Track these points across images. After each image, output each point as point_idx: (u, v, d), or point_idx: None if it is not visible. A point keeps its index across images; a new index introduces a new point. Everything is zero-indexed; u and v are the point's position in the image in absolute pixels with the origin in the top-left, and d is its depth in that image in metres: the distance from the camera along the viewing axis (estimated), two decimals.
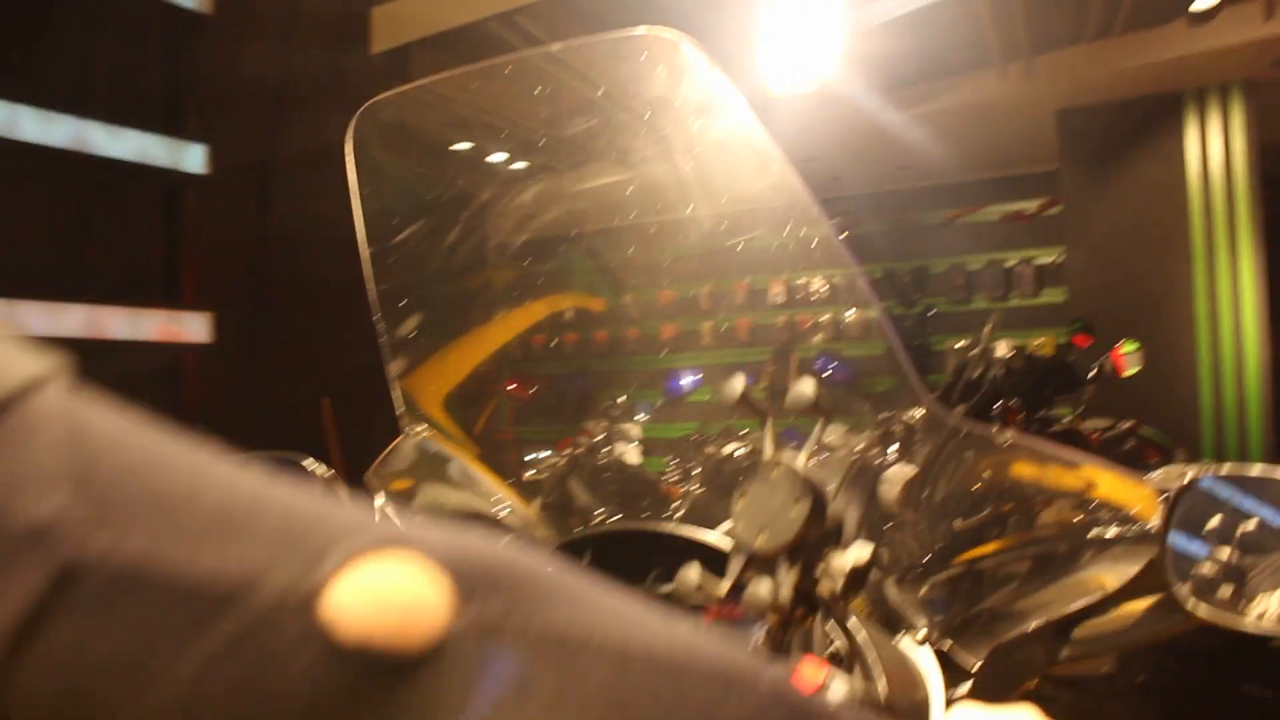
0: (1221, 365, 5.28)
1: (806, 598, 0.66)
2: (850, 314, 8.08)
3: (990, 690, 1.03)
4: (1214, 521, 0.88)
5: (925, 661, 1.01)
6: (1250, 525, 0.90)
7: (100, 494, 0.34)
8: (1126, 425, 3.96)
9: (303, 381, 3.46)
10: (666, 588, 1.12)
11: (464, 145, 1.37)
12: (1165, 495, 0.85)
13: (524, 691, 0.37)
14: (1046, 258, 7.36)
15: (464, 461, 1.46)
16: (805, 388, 0.65)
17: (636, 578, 1.14)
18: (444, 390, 1.50)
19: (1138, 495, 0.93)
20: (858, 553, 0.65)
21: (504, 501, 1.44)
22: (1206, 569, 0.86)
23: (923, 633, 1.05)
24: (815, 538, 0.65)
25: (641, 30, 0.99)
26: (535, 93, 1.21)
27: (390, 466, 1.42)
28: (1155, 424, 4.21)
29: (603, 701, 0.39)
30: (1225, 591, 0.91)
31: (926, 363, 8.02)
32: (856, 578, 0.65)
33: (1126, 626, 0.93)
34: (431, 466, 1.45)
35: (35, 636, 0.32)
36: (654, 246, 1.59)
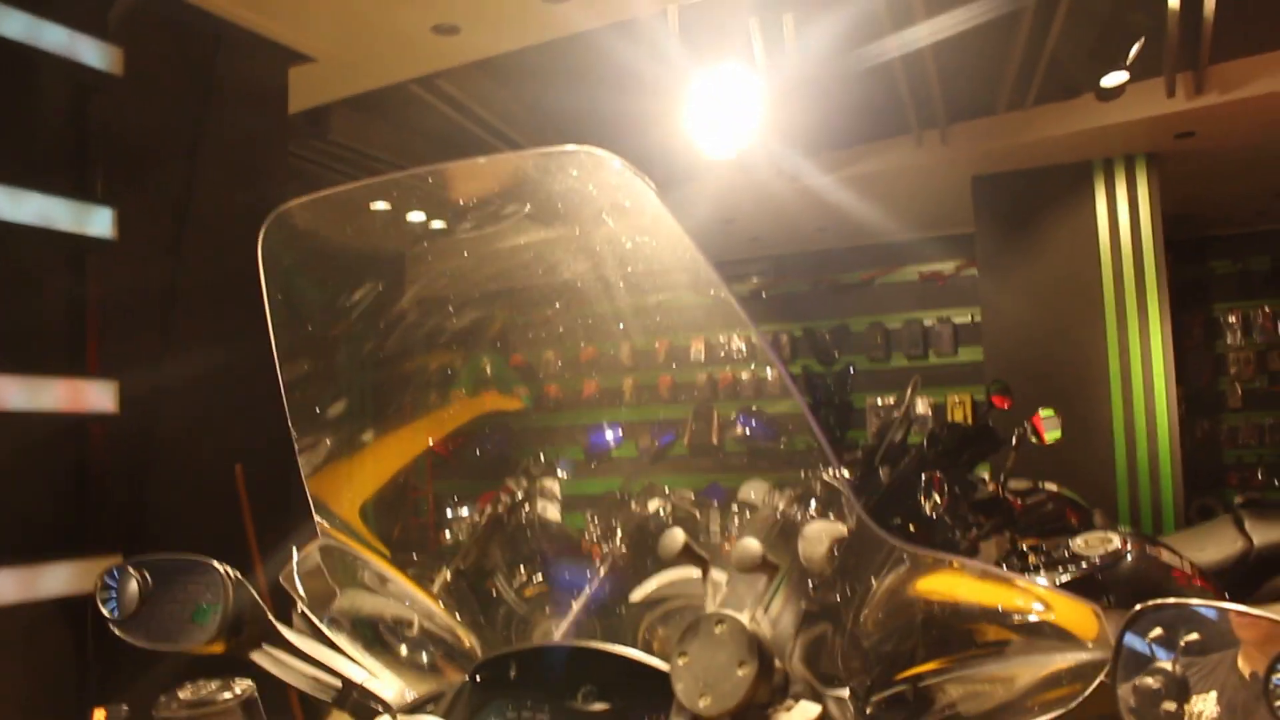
0: (1134, 422, 5.40)
1: None
2: (770, 372, 8.13)
3: None
4: (1156, 646, 0.86)
5: None
6: (1190, 646, 0.88)
7: None
8: (1047, 488, 4.00)
9: (215, 448, 3.34)
10: (598, 706, 1.07)
11: (376, 249, 1.33)
12: (1121, 626, 0.83)
13: None
14: (963, 317, 7.51)
15: (378, 566, 1.39)
16: (751, 544, 0.61)
17: (565, 694, 1.08)
18: (356, 494, 1.44)
19: (1079, 615, 0.91)
20: (805, 712, 0.61)
21: (422, 608, 1.37)
22: (1152, 692, 0.84)
23: None
24: (764, 699, 0.61)
25: (572, 148, 0.96)
26: (459, 201, 1.18)
27: (304, 569, 1.35)
28: (1072, 483, 4.27)
29: None
30: (1169, 706, 0.89)
31: (847, 419, 8.09)
32: None
33: None
34: (346, 571, 1.38)
35: None
36: (573, 311, 1.55)
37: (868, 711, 1.06)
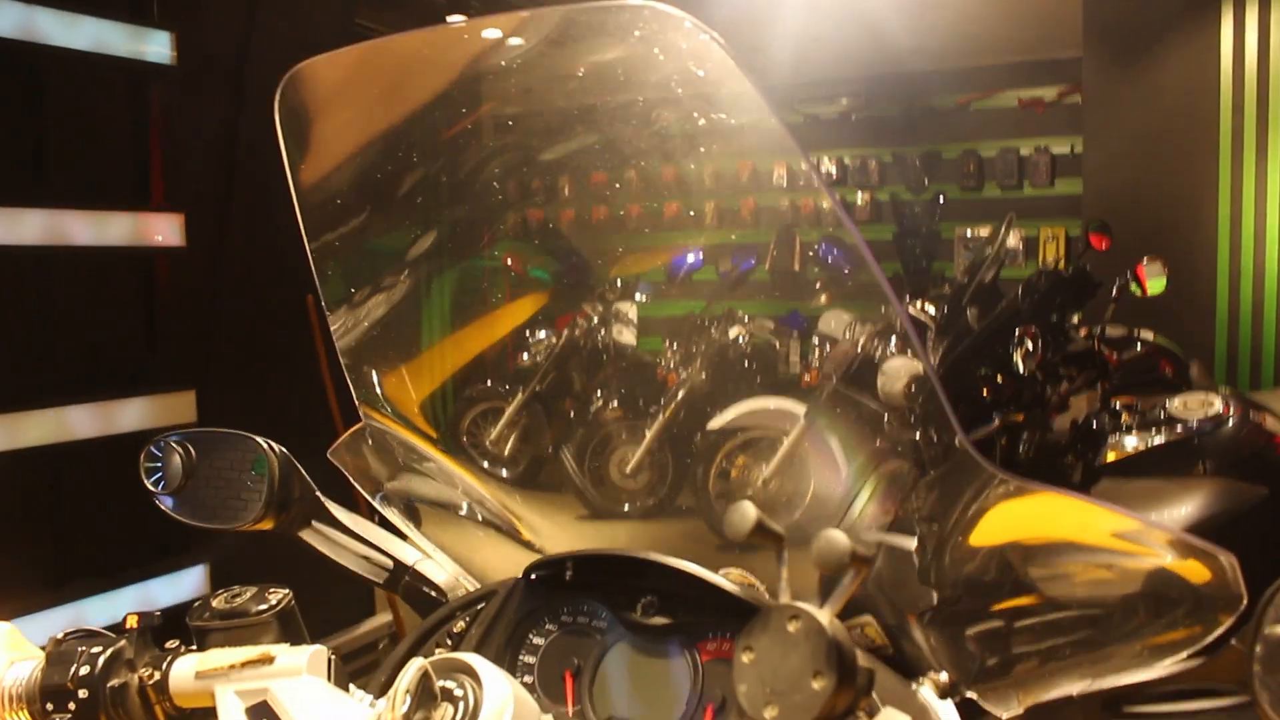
0: (1240, 270, 5.10)
1: None
2: (858, 198, 7.85)
3: None
4: None
5: (947, 714, 0.89)
6: None
7: None
8: (1143, 337, 3.82)
9: (284, 280, 3.29)
10: (658, 619, 0.99)
11: (412, 110, 1.20)
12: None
13: None
14: (1062, 148, 7.08)
15: (431, 452, 1.32)
16: (838, 539, 0.50)
17: (623, 607, 1.01)
18: (405, 377, 1.36)
19: (1207, 561, 0.79)
20: None
21: (476, 496, 1.31)
22: None
23: (944, 678, 0.93)
24: (841, 712, 0.51)
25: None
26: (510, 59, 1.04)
27: (355, 448, 1.29)
28: (1167, 329, 4.06)
29: None
30: None
31: (934, 249, 7.81)
32: None
33: (1188, 716, 0.81)
34: (397, 455, 1.31)
35: None
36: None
37: (949, 637, 0.97)
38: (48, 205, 2.50)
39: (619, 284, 2.11)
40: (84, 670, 0.85)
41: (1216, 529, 2.42)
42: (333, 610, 3.55)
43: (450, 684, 0.74)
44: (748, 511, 0.54)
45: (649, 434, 2.24)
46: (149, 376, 2.88)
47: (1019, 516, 0.91)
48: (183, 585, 2.98)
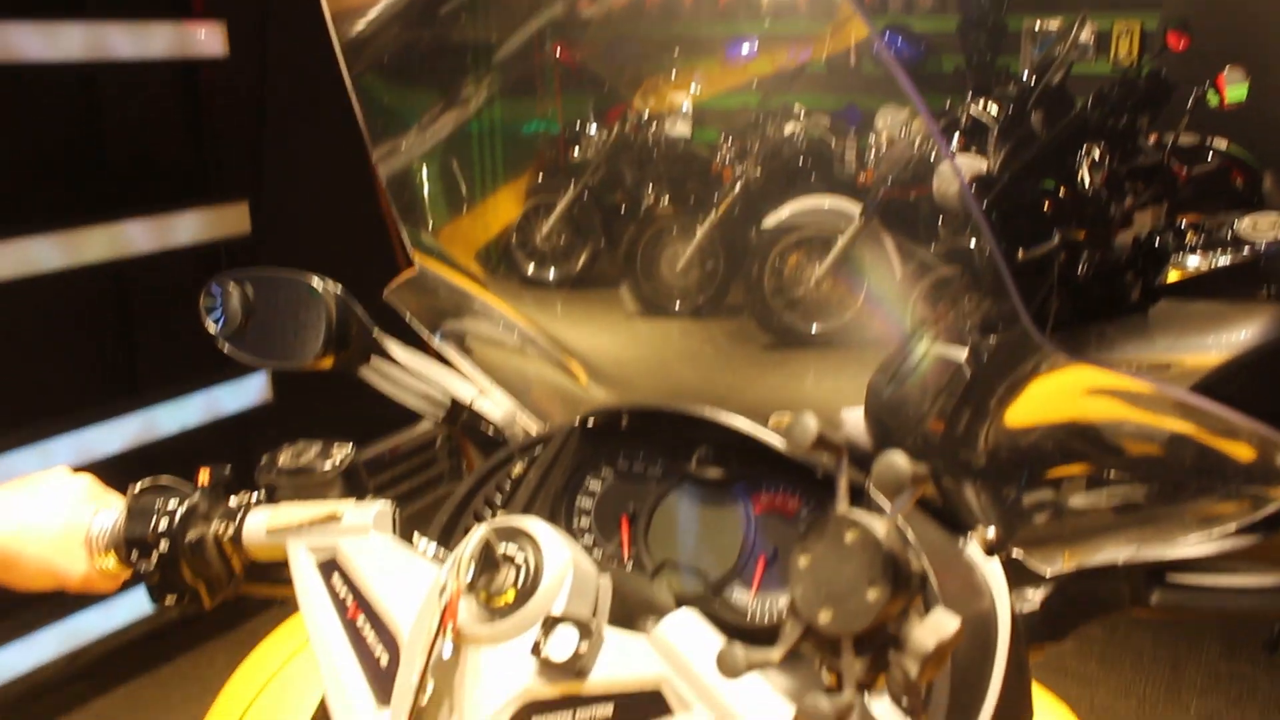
0: None
1: (874, 678, 0.54)
2: None
3: (1062, 614, 0.94)
4: None
5: (993, 572, 0.91)
6: None
7: None
8: (1216, 146, 3.67)
9: (332, 91, 3.24)
10: (713, 472, 1.01)
11: None
12: None
13: None
14: None
15: (479, 291, 1.32)
16: (897, 461, 0.50)
17: (678, 457, 1.03)
18: (455, 220, 1.34)
19: (1261, 447, 0.78)
20: (941, 628, 0.53)
21: (530, 339, 1.31)
22: None
23: (992, 535, 0.94)
24: (894, 616, 0.53)
25: None
26: None
27: (411, 287, 1.29)
28: (1242, 136, 3.89)
29: None
30: None
31: (999, 42, 7.47)
32: (939, 657, 0.53)
33: (1234, 591, 0.82)
34: (453, 296, 1.32)
35: None
36: None
37: (998, 496, 0.98)
38: (87, 18, 2.44)
39: (673, 75, 2.04)
40: (163, 524, 0.89)
41: (1274, 356, 2.39)
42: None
43: (511, 548, 0.76)
44: (809, 425, 0.53)
45: (701, 230, 2.22)
46: (201, 189, 2.89)
47: (1069, 387, 0.90)
48: (247, 391, 3.08)
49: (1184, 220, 2.81)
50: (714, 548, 0.99)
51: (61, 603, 2.73)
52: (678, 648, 0.66)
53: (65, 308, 2.65)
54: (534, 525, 0.77)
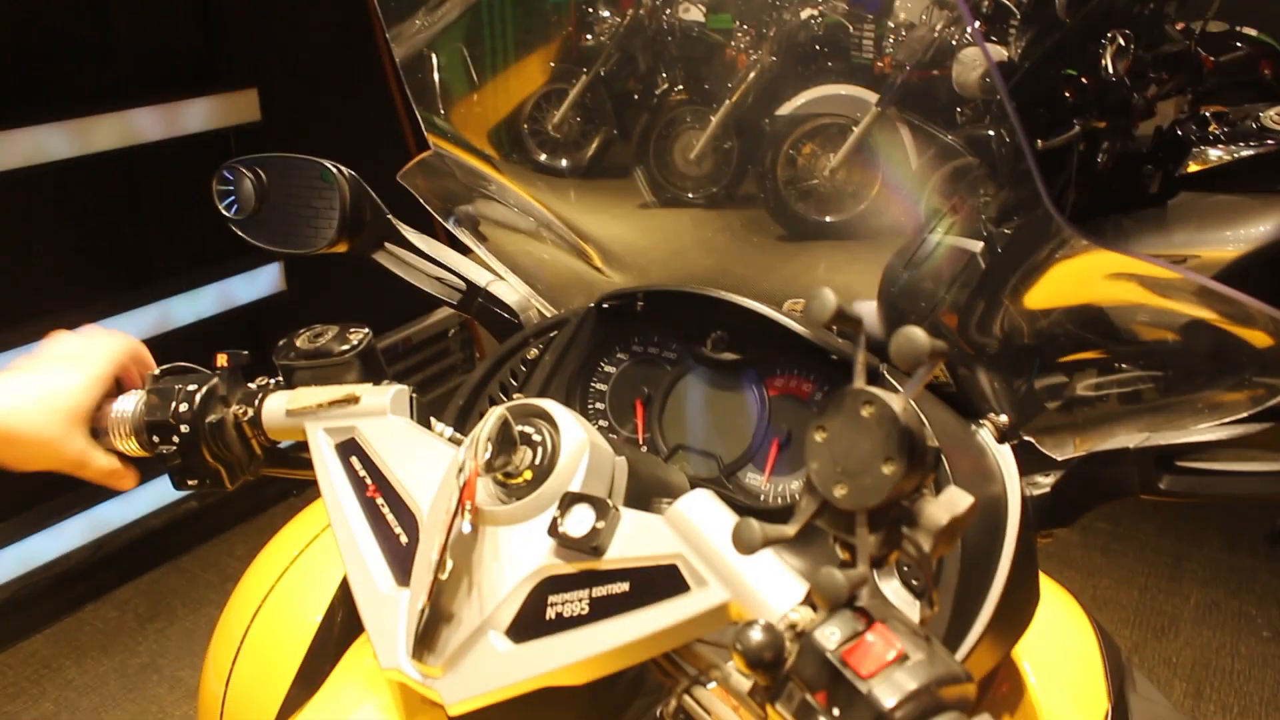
0: None
1: (888, 554, 0.55)
2: None
3: (1071, 498, 0.94)
4: None
5: (1004, 457, 0.92)
6: None
7: None
8: (1245, 33, 3.57)
9: None
10: (727, 354, 1.01)
11: None
12: None
13: None
14: None
15: (494, 174, 1.31)
16: (915, 336, 0.50)
17: (693, 341, 1.03)
18: (470, 101, 1.32)
19: (1275, 333, 0.78)
20: (954, 504, 0.53)
21: (545, 221, 1.30)
22: None
23: (1004, 420, 0.95)
24: (909, 491, 0.53)
25: None
26: None
27: (425, 171, 1.28)
28: (1271, 27, 3.79)
29: None
30: None
31: None
32: (952, 533, 0.53)
33: (1241, 476, 0.82)
34: (467, 180, 1.30)
35: None
36: None
37: (1010, 381, 0.98)
38: None
39: None
40: (183, 407, 0.90)
41: None
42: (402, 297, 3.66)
43: (528, 429, 0.77)
44: (828, 299, 0.53)
45: (715, 119, 2.19)
46: (210, 76, 2.85)
47: (1087, 273, 0.90)
48: (260, 282, 3.08)
49: (1209, 110, 2.75)
50: (728, 431, 1.00)
51: (85, 493, 2.78)
52: (694, 524, 0.67)
53: (77, 198, 2.64)
54: (551, 406, 0.78)
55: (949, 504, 0.54)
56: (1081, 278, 0.89)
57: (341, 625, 1.09)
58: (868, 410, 0.53)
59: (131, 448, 0.92)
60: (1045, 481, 0.96)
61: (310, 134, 3.10)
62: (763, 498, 0.97)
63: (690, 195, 1.96)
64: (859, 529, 0.54)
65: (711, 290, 1.00)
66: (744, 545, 0.57)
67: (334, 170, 1.16)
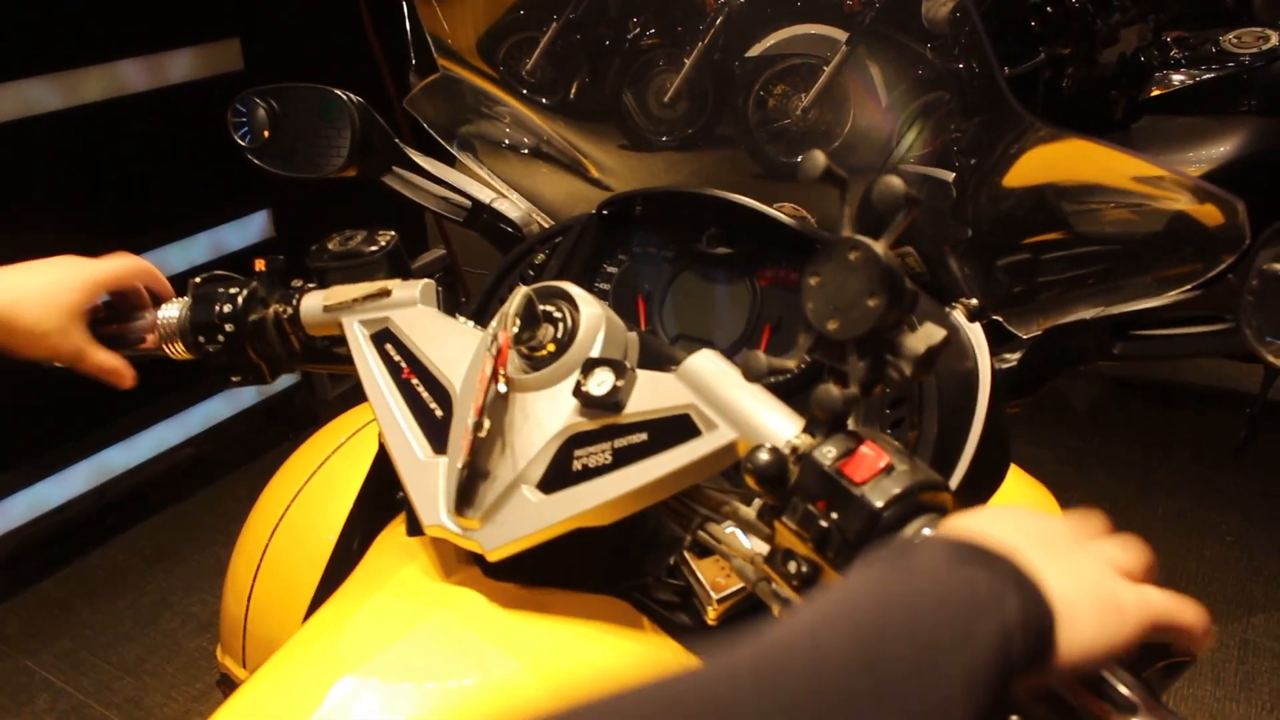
0: None
1: (874, 379, 0.64)
2: None
3: (1037, 368, 1.04)
4: None
5: (975, 335, 1.01)
6: None
7: None
8: None
9: None
10: (721, 249, 1.10)
11: None
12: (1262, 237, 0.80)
13: None
14: None
15: (501, 97, 1.38)
16: (894, 182, 0.59)
17: (690, 237, 1.11)
18: (475, 26, 1.39)
19: (1219, 206, 0.88)
20: (930, 336, 0.63)
21: (546, 137, 1.38)
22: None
23: (974, 303, 1.04)
24: (891, 323, 0.62)
25: None
26: None
27: (428, 95, 1.35)
28: None
29: None
30: None
31: None
32: (928, 360, 0.63)
33: (1185, 338, 0.92)
34: (470, 101, 1.38)
35: None
36: None
37: (979, 266, 1.08)
38: None
39: None
40: (227, 308, 0.98)
41: (1252, 168, 2.46)
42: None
43: (549, 308, 0.86)
44: (818, 158, 0.62)
45: (687, 62, 2.24)
46: (193, 26, 2.88)
47: (1050, 160, 0.98)
48: (250, 229, 3.14)
49: (1170, 36, 2.84)
50: (724, 319, 1.08)
51: (89, 441, 2.86)
52: (703, 375, 0.76)
53: (67, 150, 2.68)
54: (569, 286, 0.87)
55: (926, 336, 0.63)
56: (1044, 165, 0.98)
57: (363, 535, 1.14)
58: (854, 254, 0.62)
59: (178, 350, 1.00)
60: (1012, 357, 1.06)
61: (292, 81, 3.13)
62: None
63: (665, 139, 2.03)
64: (850, 357, 0.64)
65: (706, 189, 1.08)
66: (752, 374, 0.66)
67: (343, 97, 1.23)
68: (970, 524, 0.57)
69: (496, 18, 1.51)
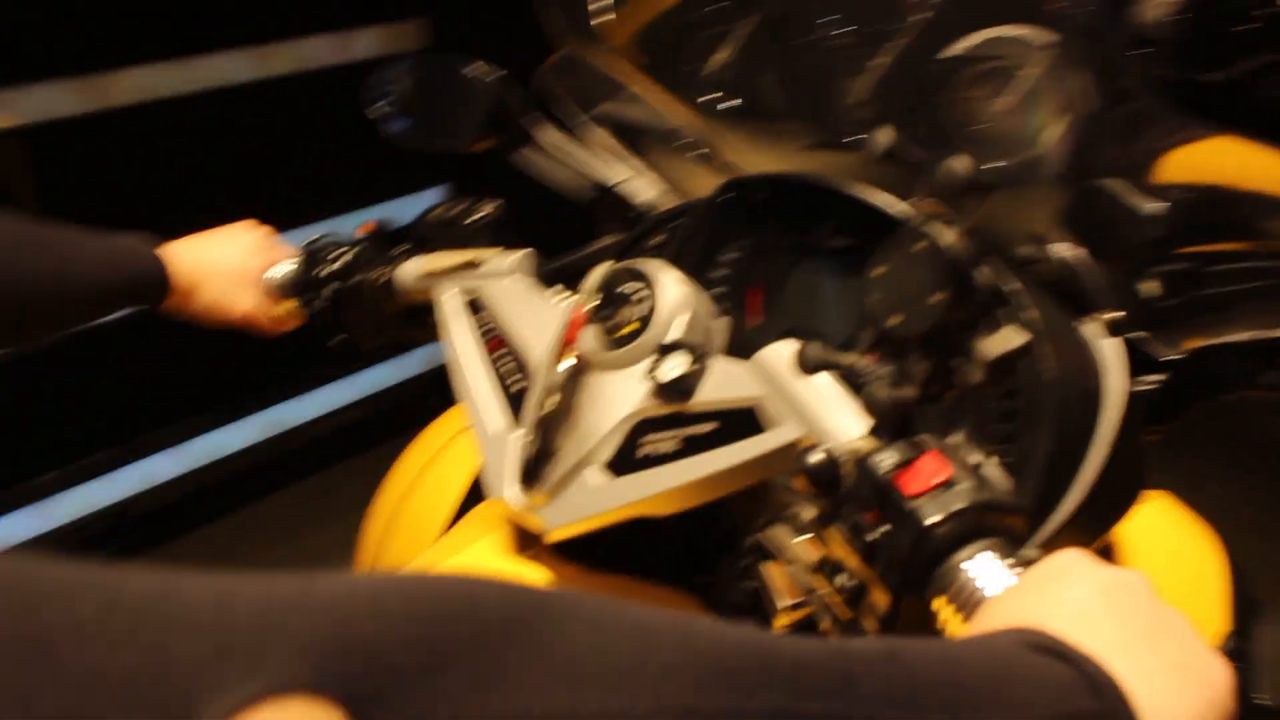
0: None
1: (941, 381, 0.59)
2: None
3: (1178, 394, 0.94)
4: None
5: (1110, 351, 0.93)
6: None
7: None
8: None
9: None
10: (837, 241, 1.04)
11: None
12: None
13: None
14: None
15: (637, 75, 1.36)
16: (956, 162, 0.53)
17: (811, 228, 1.06)
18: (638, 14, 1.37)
19: None
20: (1007, 340, 0.57)
21: (680, 118, 1.35)
22: None
23: (1113, 316, 0.95)
24: (956, 323, 0.57)
25: None
26: None
27: (561, 71, 1.34)
28: None
29: None
30: None
31: None
32: (1002, 367, 0.57)
33: None
34: (603, 77, 1.36)
35: None
36: None
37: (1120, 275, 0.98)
38: None
39: None
40: (329, 270, 1.00)
41: None
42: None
43: (635, 285, 0.83)
44: (887, 134, 0.57)
45: (876, 62, 2.17)
46: (380, 6, 2.99)
47: (1217, 161, 0.89)
48: (426, 202, 3.23)
49: None
50: (837, 315, 1.03)
51: (265, 395, 3.02)
52: (774, 370, 0.71)
53: (253, 121, 2.82)
54: (655, 264, 0.84)
55: (1003, 340, 0.57)
56: (1208, 164, 0.89)
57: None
58: (919, 245, 0.57)
59: (287, 305, 1.03)
60: (1152, 378, 0.96)
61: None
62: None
63: (848, 140, 1.97)
64: (911, 355, 0.58)
65: (833, 181, 1.02)
66: (807, 365, 0.62)
67: (483, 71, 1.22)
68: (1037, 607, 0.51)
69: (665, 8, 1.49)
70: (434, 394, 3.43)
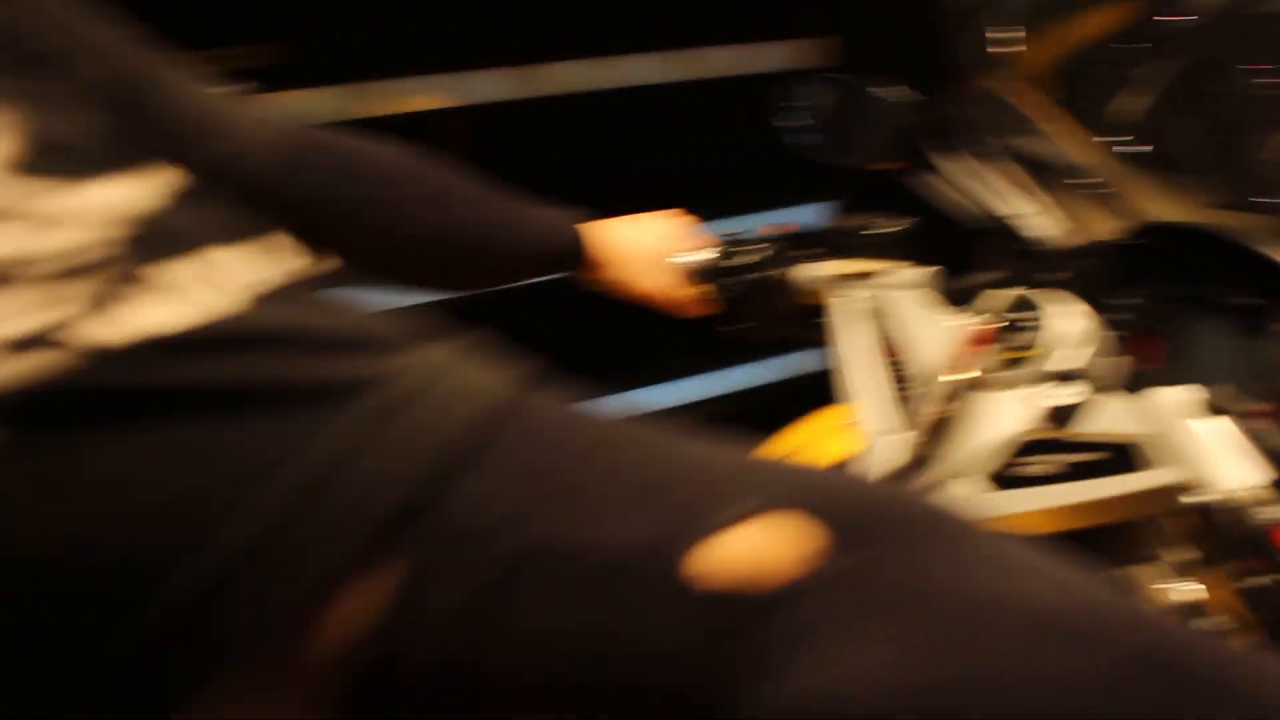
0: None
1: None
2: None
3: None
4: None
5: None
6: None
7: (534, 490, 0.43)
8: None
9: None
10: (1236, 299, 1.02)
11: None
12: None
13: (871, 640, 0.39)
14: None
15: (1042, 106, 1.36)
16: None
17: (1223, 281, 1.04)
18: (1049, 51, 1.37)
19: None
20: None
21: (1080, 153, 1.34)
22: None
23: None
24: None
25: None
26: None
27: (969, 101, 1.37)
28: None
29: (949, 655, 0.40)
30: None
31: None
32: None
33: None
34: (1008, 109, 1.37)
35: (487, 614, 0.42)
36: None
37: None
38: None
39: None
40: (742, 261, 1.11)
41: None
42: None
43: (1037, 312, 0.87)
44: None
45: None
46: (786, 22, 3.11)
47: None
48: (809, 216, 3.33)
49: None
50: (1234, 372, 1.01)
51: (628, 378, 3.24)
52: (1168, 411, 0.73)
53: (653, 120, 3.05)
54: (1060, 295, 0.87)
55: None
56: None
57: None
58: None
59: (702, 288, 1.15)
60: None
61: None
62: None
63: (1260, 201, 1.83)
64: None
65: (1250, 239, 1.00)
66: (1214, 408, 0.63)
67: (897, 89, 1.27)
68: None
69: (1081, 44, 1.48)
70: (788, 403, 3.51)
